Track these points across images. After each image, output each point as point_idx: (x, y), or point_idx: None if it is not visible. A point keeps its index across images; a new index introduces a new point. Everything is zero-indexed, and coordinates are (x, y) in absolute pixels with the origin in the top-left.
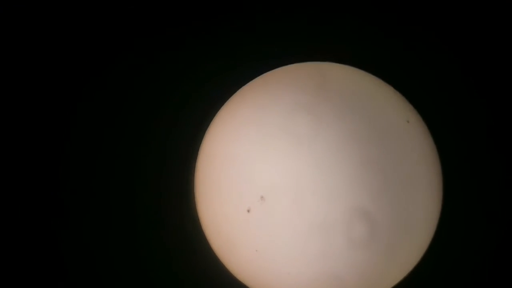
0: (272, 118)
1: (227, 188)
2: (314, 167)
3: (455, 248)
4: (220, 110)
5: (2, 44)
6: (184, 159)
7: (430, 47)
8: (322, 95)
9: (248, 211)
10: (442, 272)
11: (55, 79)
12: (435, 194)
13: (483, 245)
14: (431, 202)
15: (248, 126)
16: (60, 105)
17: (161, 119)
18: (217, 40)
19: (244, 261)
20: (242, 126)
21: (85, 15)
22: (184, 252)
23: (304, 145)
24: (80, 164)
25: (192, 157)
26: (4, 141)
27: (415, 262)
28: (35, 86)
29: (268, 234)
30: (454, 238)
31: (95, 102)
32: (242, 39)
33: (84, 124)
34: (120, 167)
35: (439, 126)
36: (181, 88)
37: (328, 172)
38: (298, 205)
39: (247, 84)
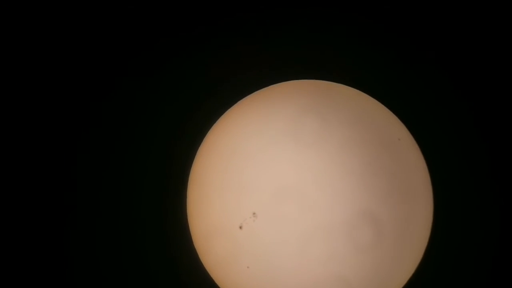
0: (275, 126)
1: (219, 204)
2: (320, 170)
3: (451, 248)
4: (212, 127)
5: (5, 49)
6: (178, 175)
7: (421, 70)
8: (326, 104)
9: (240, 227)
10: (444, 272)
11: (59, 85)
12: (428, 200)
13: (474, 244)
14: (426, 208)
15: (249, 137)
16: (64, 113)
17: (157, 130)
18: (217, 49)
19: (235, 278)
20: (241, 138)
21: (87, 25)
22: (175, 268)
23: (310, 149)
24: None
25: (185, 173)
26: (10, 146)
27: (416, 264)
28: (39, 96)
29: (260, 250)
30: (447, 239)
31: (93, 110)
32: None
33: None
34: (111, 182)
35: (427, 141)
36: (180, 100)
37: (334, 176)
38: (303, 209)
39: (244, 98)
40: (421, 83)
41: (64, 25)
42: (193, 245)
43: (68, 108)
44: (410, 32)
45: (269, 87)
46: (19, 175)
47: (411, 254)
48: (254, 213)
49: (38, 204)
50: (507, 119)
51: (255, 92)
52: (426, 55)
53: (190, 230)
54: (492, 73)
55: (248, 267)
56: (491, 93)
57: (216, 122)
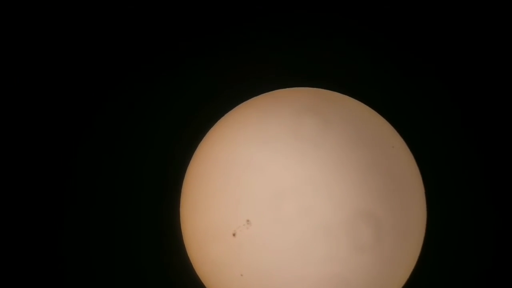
0: (271, 130)
1: (213, 211)
2: (319, 170)
3: (446, 246)
4: (207, 134)
5: (6, 56)
6: (171, 182)
7: (416, 78)
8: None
9: (234, 235)
10: (442, 270)
11: (59, 87)
12: (422, 201)
13: (468, 242)
14: (421, 208)
15: (243, 143)
16: (61, 115)
17: (152, 135)
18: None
19: (229, 286)
20: (236, 145)
21: (86, 28)
22: (168, 276)
23: (307, 152)
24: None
25: (179, 179)
26: (9, 148)
27: (414, 264)
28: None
29: (254, 257)
30: (441, 239)
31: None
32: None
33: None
34: (104, 186)
35: (420, 147)
36: (177, 105)
37: (333, 175)
38: (298, 215)
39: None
40: (417, 93)
41: (65, 29)
42: (186, 252)
43: (66, 110)
44: (409, 43)
45: (267, 93)
46: (16, 175)
47: (411, 254)
48: (248, 220)
49: (33, 203)
50: (501, 126)
51: (251, 99)
52: (423, 66)
53: (183, 238)
54: (487, 83)
55: (242, 275)
56: (485, 103)
57: (211, 129)
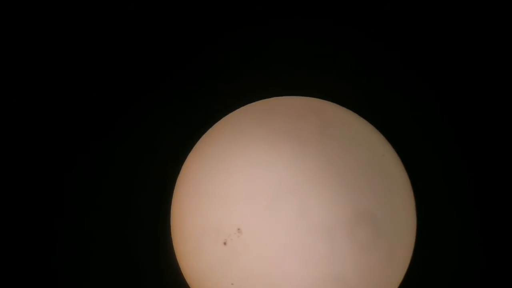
0: (269, 132)
1: (203, 220)
2: (318, 170)
3: (437, 247)
4: (198, 142)
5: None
6: (161, 191)
7: (408, 88)
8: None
9: (225, 243)
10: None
11: (62, 91)
12: (412, 204)
13: (456, 246)
14: (412, 210)
15: (237, 150)
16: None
17: (140, 143)
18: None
19: None
20: (227, 151)
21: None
22: (159, 285)
23: (308, 148)
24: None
25: (169, 189)
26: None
27: (408, 263)
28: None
29: (244, 266)
30: (429, 240)
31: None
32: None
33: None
34: (94, 198)
35: (409, 156)
36: (169, 109)
37: (332, 175)
38: (301, 210)
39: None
40: (406, 103)
41: (67, 31)
42: (176, 261)
43: (64, 112)
44: (400, 53)
45: (262, 100)
46: (17, 178)
47: (408, 254)
48: (238, 229)
49: (31, 205)
50: (487, 134)
51: (248, 105)
52: (415, 78)
53: (174, 246)
54: (476, 91)
55: (232, 284)
56: (473, 111)
57: (203, 135)
